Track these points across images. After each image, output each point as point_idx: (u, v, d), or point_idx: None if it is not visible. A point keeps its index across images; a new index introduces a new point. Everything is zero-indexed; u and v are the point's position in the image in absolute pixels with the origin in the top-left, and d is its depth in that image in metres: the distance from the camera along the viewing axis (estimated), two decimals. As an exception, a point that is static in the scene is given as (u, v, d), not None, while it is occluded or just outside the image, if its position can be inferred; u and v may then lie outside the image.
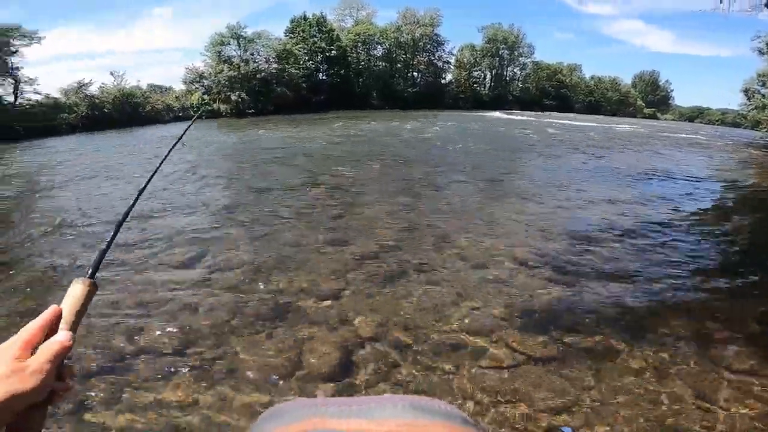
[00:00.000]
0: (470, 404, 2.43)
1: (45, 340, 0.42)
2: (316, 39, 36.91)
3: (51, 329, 0.43)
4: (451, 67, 47.65)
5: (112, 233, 0.67)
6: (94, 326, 3.07)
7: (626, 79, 63.83)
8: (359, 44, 40.68)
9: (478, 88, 49.06)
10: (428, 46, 44.36)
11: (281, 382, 2.57)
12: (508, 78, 51.47)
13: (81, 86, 26.12)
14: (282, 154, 11.42)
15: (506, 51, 48.96)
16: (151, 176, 0.87)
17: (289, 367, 2.70)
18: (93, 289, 0.53)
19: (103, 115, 24.58)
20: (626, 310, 3.48)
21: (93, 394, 2.46)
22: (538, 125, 22.36)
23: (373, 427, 0.31)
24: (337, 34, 38.66)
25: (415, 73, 45.30)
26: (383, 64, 42.70)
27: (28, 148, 14.40)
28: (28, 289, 3.72)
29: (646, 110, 60.39)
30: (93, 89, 26.40)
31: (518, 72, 51.90)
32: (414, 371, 2.68)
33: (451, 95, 45.49)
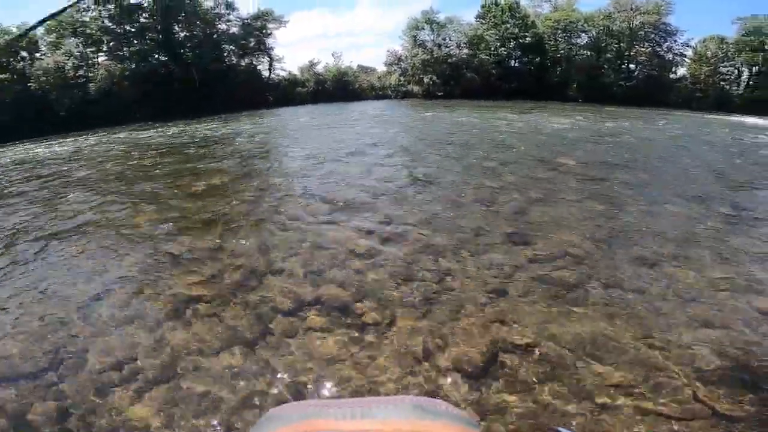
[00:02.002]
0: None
1: None
2: (508, 25, 35.27)
3: None
4: (687, 60, 38.16)
5: None
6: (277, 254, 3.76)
7: None
8: (558, 31, 36.78)
9: (727, 87, 37.77)
10: (652, 36, 36.68)
11: (418, 363, 2.65)
12: (777, 79, 37.64)
13: (312, 65, 31.97)
14: (473, 138, 11.44)
15: (777, 45, 35.85)
16: None
17: (430, 349, 2.75)
18: None
19: (324, 90, 29.73)
20: None
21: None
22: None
23: (376, 427, 0.31)
24: (533, 21, 35.97)
25: (631, 65, 38.12)
26: (588, 53, 37.50)
27: (276, 114, 18.82)
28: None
29: None
30: (319, 68, 32.05)
31: (795, 72, 37.31)
32: (554, 393, 2.39)
33: (682, 93, 36.53)
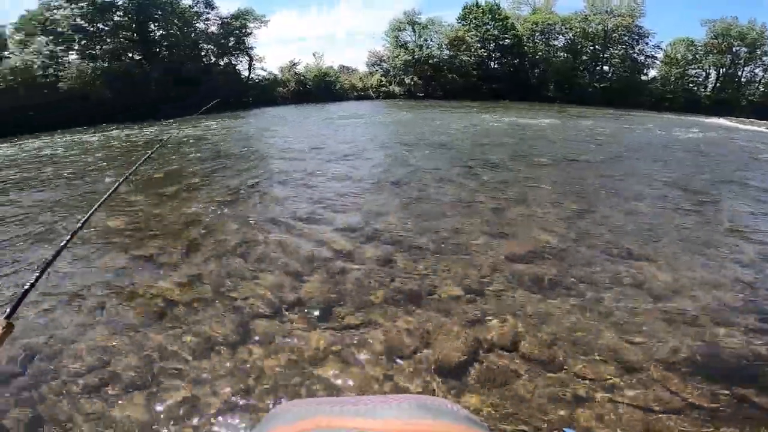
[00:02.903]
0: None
1: None
2: (489, 27, 35.94)
3: None
4: (657, 62, 39.62)
5: (36, 276, 0.70)
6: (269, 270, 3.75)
7: None
8: (536, 33, 37.66)
9: (695, 89, 39.36)
10: (625, 38, 37.96)
11: (401, 363, 2.67)
12: (743, 80, 39.50)
13: (293, 65, 31.68)
14: (451, 139, 11.58)
15: (743, 48, 37.59)
16: (108, 194, 0.99)
17: (412, 351, 2.77)
18: (8, 330, 0.55)
19: (306, 90, 29.53)
20: None
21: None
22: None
23: (379, 426, 0.31)
24: (512, 23, 36.73)
25: (605, 67, 39.36)
26: (565, 55, 38.50)
27: (258, 114, 18.58)
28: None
29: None
30: (300, 68, 31.79)
31: (760, 74, 39.28)
32: (535, 388, 2.45)
33: (653, 94, 37.88)
